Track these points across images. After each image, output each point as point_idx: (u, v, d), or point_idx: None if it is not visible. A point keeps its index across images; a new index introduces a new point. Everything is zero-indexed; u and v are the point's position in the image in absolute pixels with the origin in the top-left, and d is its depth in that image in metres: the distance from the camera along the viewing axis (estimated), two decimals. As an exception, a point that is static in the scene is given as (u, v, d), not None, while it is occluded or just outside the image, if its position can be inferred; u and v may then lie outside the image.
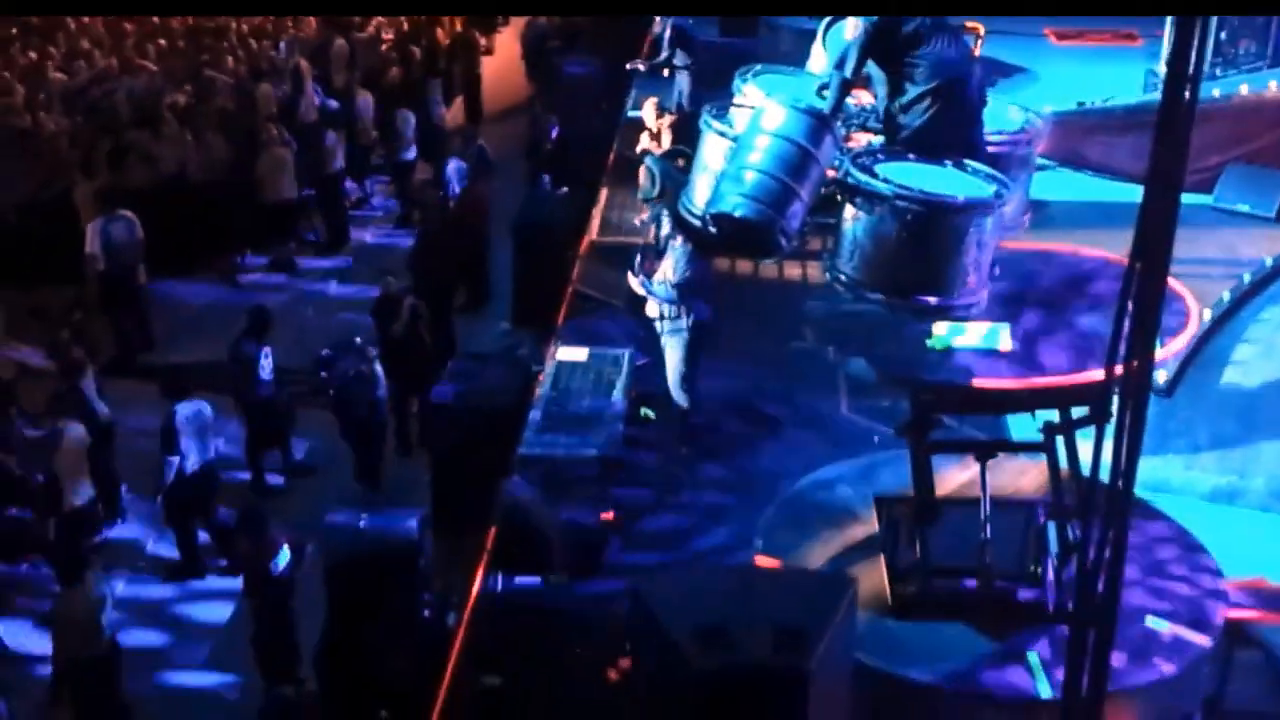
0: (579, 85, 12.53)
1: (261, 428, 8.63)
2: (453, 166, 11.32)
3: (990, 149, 5.21)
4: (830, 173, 4.77)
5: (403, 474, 8.39)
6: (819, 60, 5.81)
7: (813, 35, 9.66)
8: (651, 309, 7.04)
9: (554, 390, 7.04)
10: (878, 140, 5.25)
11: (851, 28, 5.06)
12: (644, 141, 9.55)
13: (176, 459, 7.61)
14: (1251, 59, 11.42)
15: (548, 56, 14.30)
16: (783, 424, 7.28)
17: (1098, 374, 3.37)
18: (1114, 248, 8.67)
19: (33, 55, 13.10)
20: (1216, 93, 10.28)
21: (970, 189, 4.79)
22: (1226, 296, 7.85)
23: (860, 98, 5.27)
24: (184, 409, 7.70)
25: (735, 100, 5.55)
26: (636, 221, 9.04)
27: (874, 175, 4.75)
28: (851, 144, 5.13)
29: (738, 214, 4.63)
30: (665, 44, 11.07)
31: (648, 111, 9.63)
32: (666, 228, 7.10)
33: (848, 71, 5.06)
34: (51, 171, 10.75)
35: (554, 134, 12.17)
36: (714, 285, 7.15)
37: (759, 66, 5.88)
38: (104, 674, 6.68)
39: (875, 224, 4.69)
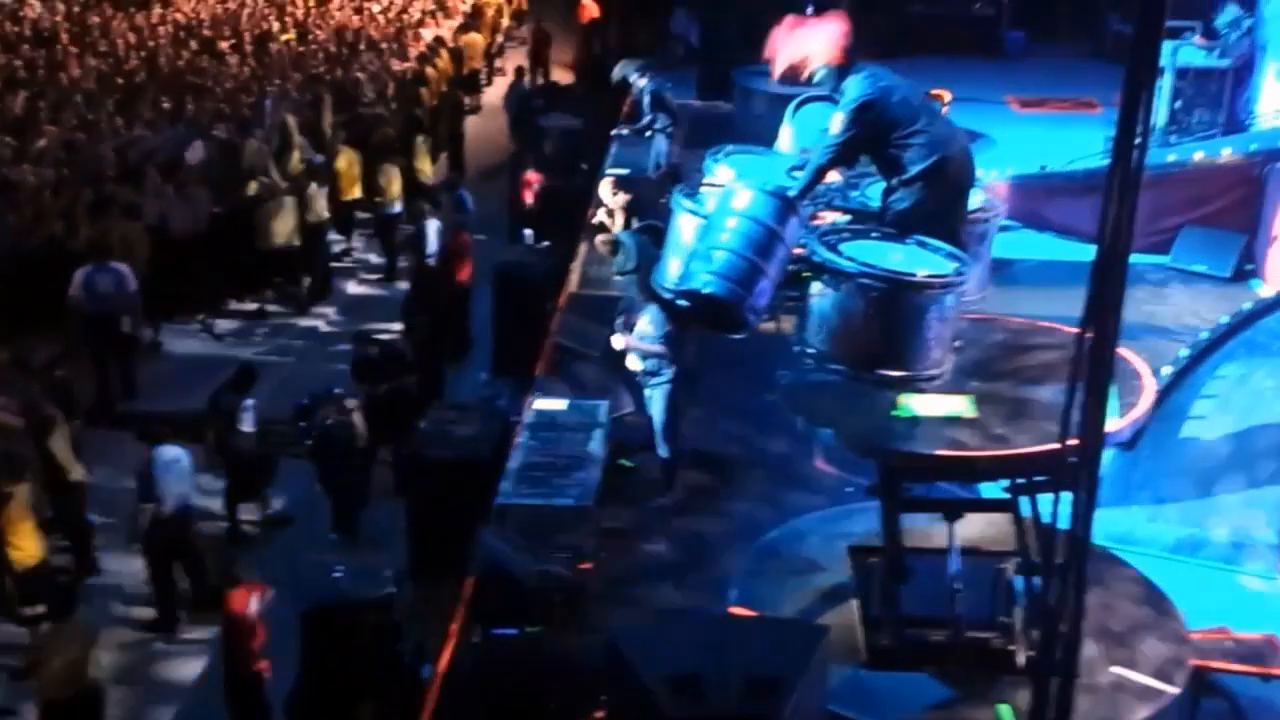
0: (560, 143, 12.79)
1: (241, 478, 8.64)
2: (433, 227, 11.48)
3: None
4: (798, 250, 4.96)
5: (380, 523, 8.40)
6: (787, 139, 6.01)
7: (785, 99, 9.95)
8: (633, 363, 7.18)
9: (532, 440, 7.12)
10: (843, 218, 5.43)
11: (836, 121, 5.22)
12: (600, 216, 9.77)
13: (152, 505, 7.61)
14: (1205, 127, 11.85)
15: (531, 115, 14.59)
16: (758, 474, 7.41)
17: (1054, 444, 3.53)
18: (1074, 307, 8.96)
19: (20, 108, 13.19)
20: (1172, 158, 10.66)
21: (932, 266, 5.01)
22: (1185, 353, 8.10)
23: (829, 174, 5.48)
24: (162, 454, 7.71)
25: (706, 180, 5.75)
26: (615, 277, 9.24)
27: (839, 253, 4.95)
28: (817, 221, 5.32)
29: (706, 291, 4.83)
30: (646, 108, 11.33)
31: (604, 189, 9.83)
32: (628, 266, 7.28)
33: (825, 160, 5.25)
34: (34, 222, 10.80)
35: (530, 183, 12.38)
36: (692, 339, 7.31)
37: (730, 147, 6.08)
38: (90, 714, 6.64)
39: (841, 300, 4.91)
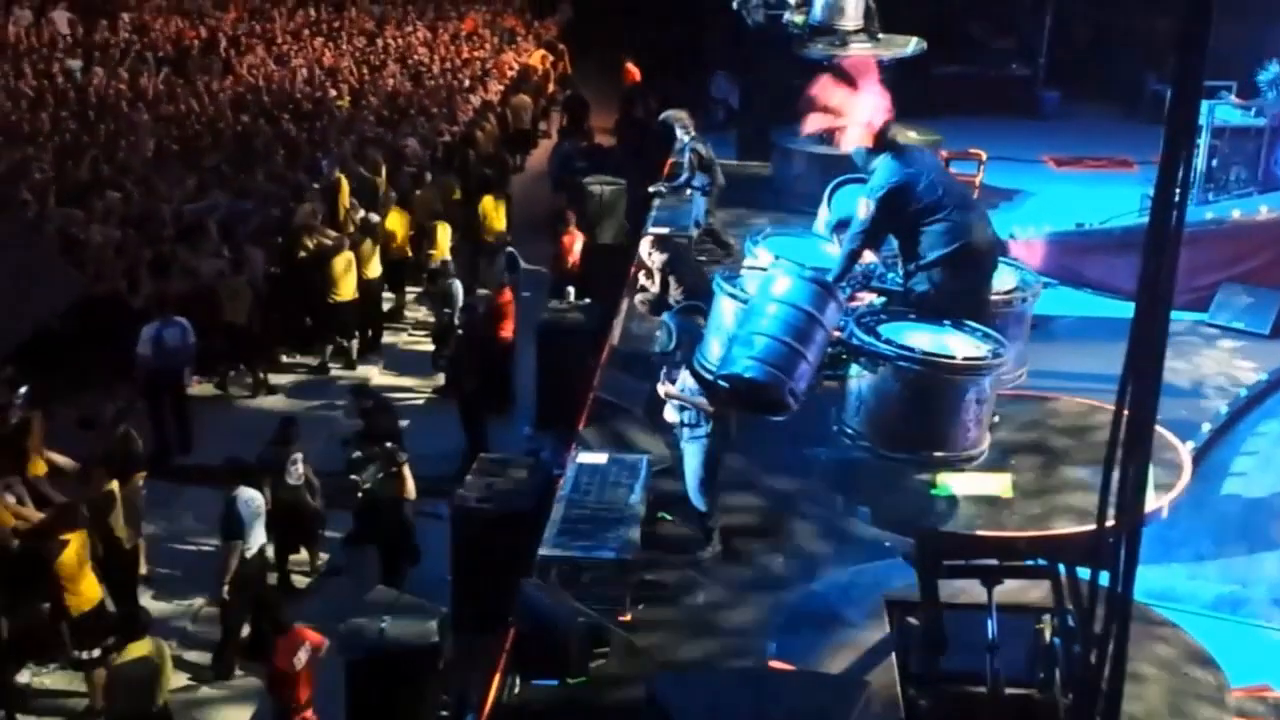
0: (603, 201, 13.07)
1: (290, 529, 8.83)
2: (455, 287, 11.76)
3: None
4: (836, 333, 5.10)
5: (426, 574, 8.54)
6: (824, 220, 6.17)
7: (823, 159, 10.23)
8: (671, 415, 7.31)
9: (574, 493, 7.24)
10: (879, 300, 5.56)
11: (863, 207, 5.36)
12: (641, 275, 9.98)
13: (240, 544, 7.81)
14: (1242, 185, 11.91)
15: (573, 176, 14.94)
16: (797, 528, 7.48)
17: (1093, 526, 3.55)
18: (1111, 363, 8.99)
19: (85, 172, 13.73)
20: (1209, 216, 10.72)
21: (969, 348, 5.10)
22: (1224, 410, 8.12)
23: (863, 256, 5.61)
24: (243, 495, 7.92)
25: (747, 262, 5.94)
26: (657, 334, 9.40)
27: (877, 336, 5.07)
28: (855, 303, 5.45)
29: (748, 375, 4.96)
30: (685, 166, 11.58)
31: (644, 248, 10.06)
32: (661, 343, 7.43)
33: (855, 246, 5.40)
34: (97, 280, 11.20)
35: (572, 241, 12.66)
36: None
37: (769, 229, 6.26)
38: None
39: (879, 382, 5.00)
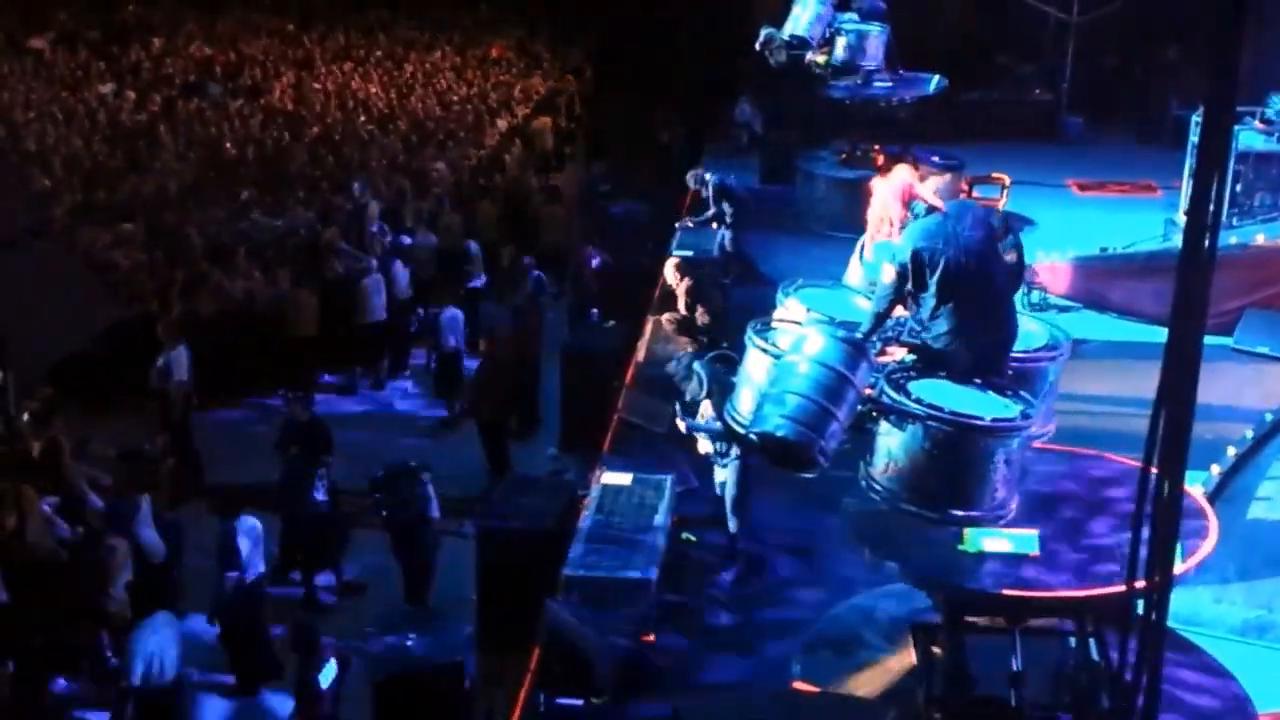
0: (626, 225, 13.19)
1: (315, 547, 8.91)
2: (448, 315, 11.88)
3: (1014, 365, 5.59)
4: (867, 390, 5.16)
5: (451, 592, 8.59)
6: (856, 273, 6.27)
7: (845, 183, 10.24)
8: (705, 446, 7.37)
9: (598, 513, 7.30)
10: (909, 356, 5.61)
11: (887, 271, 5.48)
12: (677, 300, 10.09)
13: (236, 574, 7.88)
14: (1267, 209, 11.88)
15: (598, 199, 15.08)
16: (823, 550, 7.49)
17: (1120, 586, 3.56)
18: (1132, 385, 8.98)
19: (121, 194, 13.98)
20: (1234, 241, 10.71)
21: (998, 409, 5.15)
22: (1250, 434, 8.09)
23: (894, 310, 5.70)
24: (243, 524, 8.01)
25: (777, 313, 6.04)
26: (669, 365, 9.47)
27: (907, 394, 5.13)
28: (885, 357, 5.53)
29: (779, 434, 5.03)
30: (710, 200, 11.75)
31: (669, 271, 10.16)
32: (698, 382, 7.51)
33: (883, 309, 5.52)
34: (129, 302, 11.38)
35: (595, 264, 12.76)
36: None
37: (800, 280, 6.33)
38: (171, 706, 6.97)
39: (908, 441, 5.06)
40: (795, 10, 13.43)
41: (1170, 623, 5.98)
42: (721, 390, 6.03)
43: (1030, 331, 5.92)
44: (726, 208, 11.71)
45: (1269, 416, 8.33)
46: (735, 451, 7.05)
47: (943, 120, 14.32)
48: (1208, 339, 3.38)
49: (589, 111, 20.28)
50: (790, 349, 5.23)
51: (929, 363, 5.45)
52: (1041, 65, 18.53)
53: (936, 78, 13.66)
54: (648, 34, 20.46)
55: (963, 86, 17.81)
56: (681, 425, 7.26)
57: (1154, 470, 3.25)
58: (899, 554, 5.27)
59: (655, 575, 6.84)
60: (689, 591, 7.09)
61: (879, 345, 5.53)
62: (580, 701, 6.05)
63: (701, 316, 9.53)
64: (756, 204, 13.90)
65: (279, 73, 20.17)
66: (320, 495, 8.85)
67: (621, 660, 6.30)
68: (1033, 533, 5.31)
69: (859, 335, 5.40)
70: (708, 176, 11.80)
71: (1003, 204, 12.86)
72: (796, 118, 13.44)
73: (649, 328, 10.22)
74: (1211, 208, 3.18)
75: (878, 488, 5.19)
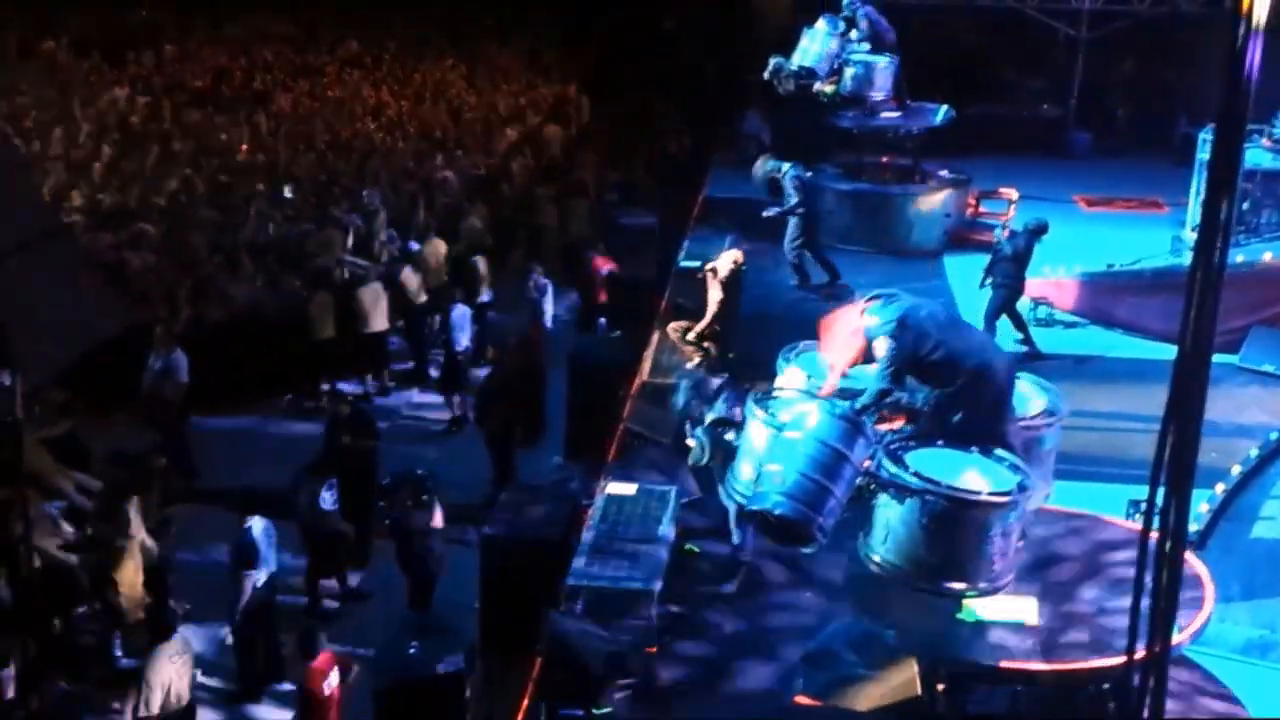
0: (634, 235, 13.22)
1: (322, 554, 8.92)
2: (459, 312, 11.87)
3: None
4: (866, 463, 5.23)
5: (454, 601, 8.59)
6: (796, 376, 6.26)
7: (852, 196, 10.19)
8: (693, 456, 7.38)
9: (602, 523, 7.30)
10: (906, 426, 5.69)
11: (881, 345, 5.55)
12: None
13: (254, 573, 7.90)
14: (1274, 227, 11.90)
15: (606, 208, 15.11)
16: (824, 562, 7.48)
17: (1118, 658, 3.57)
18: (1136, 403, 8.99)
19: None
20: (1240, 259, 10.71)
21: (995, 480, 5.19)
22: (1255, 453, 8.09)
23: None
24: (256, 525, 8.03)
25: (778, 379, 6.13)
26: (687, 366, 9.51)
27: (905, 465, 5.18)
28: (885, 425, 5.59)
29: (778, 512, 5.13)
30: (791, 192, 11.91)
31: (725, 264, 10.18)
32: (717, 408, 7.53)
33: (885, 383, 5.57)
34: (137, 306, 11.43)
35: (603, 273, 12.78)
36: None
37: (800, 346, 6.41)
38: None
39: (905, 513, 5.13)
40: (803, 42, 13.60)
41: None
42: (725, 456, 6.16)
43: (1027, 397, 5.95)
44: (796, 205, 11.90)
45: (1274, 435, 8.32)
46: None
47: (952, 134, 14.37)
48: (1214, 358, 3.38)
49: (597, 122, 20.34)
50: (789, 425, 5.30)
51: (927, 429, 5.53)
52: (1050, 81, 18.58)
53: (944, 108, 13.82)
54: (655, 45, 20.53)
55: (971, 101, 17.88)
56: (692, 443, 7.30)
57: (1153, 536, 3.27)
58: (898, 623, 5.29)
59: (659, 586, 6.84)
60: (692, 603, 7.08)
61: (876, 415, 5.60)
62: (581, 712, 6.04)
63: (713, 324, 9.56)
64: (762, 218, 13.95)
65: (289, 80, 20.25)
66: (328, 505, 8.86)
67: (623, 672, 6.29)
68: (1031, 601, 5.34)
69: (858, 407, 5.47)
70: (785, 167, 11.93)
71: (1009, 219, 12.89)
72: (805, 133, 13.49)
73: (656, 338, 10.24)
74: (1221, 225, 3.20)
75: (876, 559, 5.25)
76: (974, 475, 5.21)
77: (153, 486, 8.86)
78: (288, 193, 14.56)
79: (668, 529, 7.20)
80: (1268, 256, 10.84)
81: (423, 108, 19.20)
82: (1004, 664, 5.07)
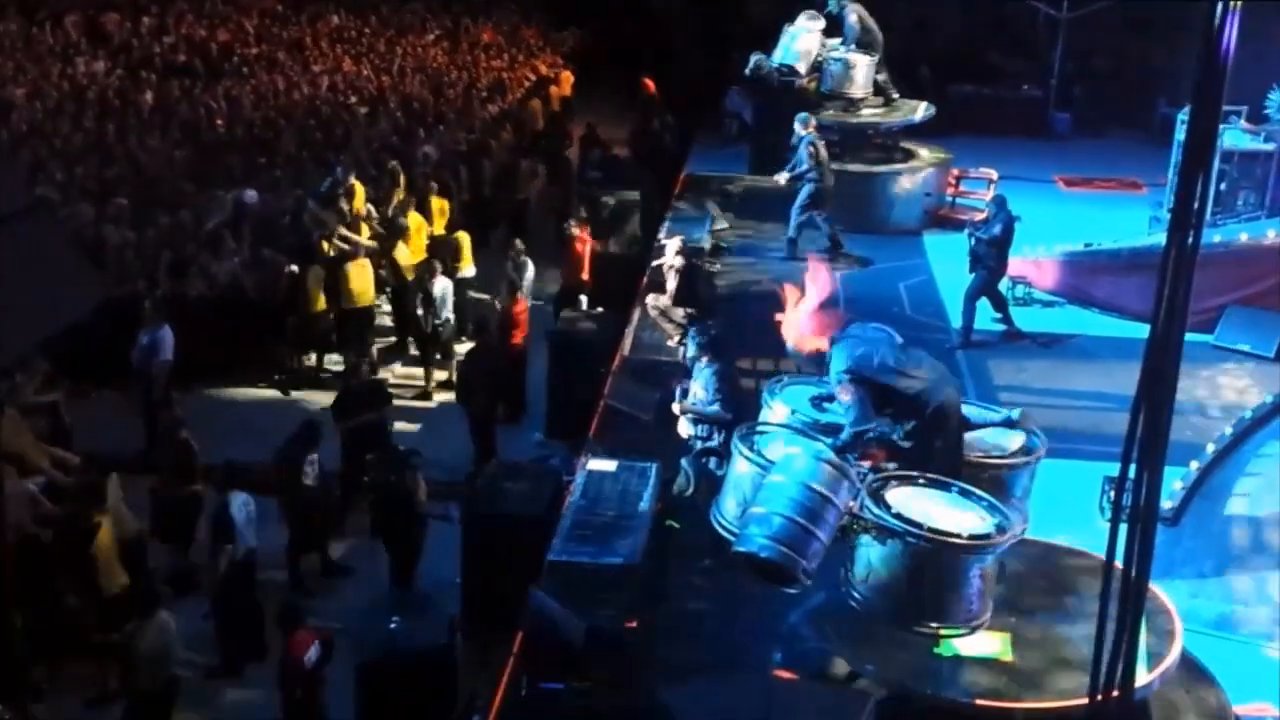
0: (616, 212, 13.21)
1: (304, 529, 8.93)
2: (440, 285, 11.87)
3: (991, 470, 5.81)
4: (850, 504, 5.34)
5: (436, 576, 8.63)
6: (780, 411, 6.32)
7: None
8: (685, 429, 7.43)
9: (583, 499, 7.32)
10: (890, 464, 5.78)
11: (843, 392, 5.70)
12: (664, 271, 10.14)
13: (231, 547, 7.91)
14: (1250, 208, 12.00)
15: (589, 185, 15.08)
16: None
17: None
18: (1111, 382, 9.08)
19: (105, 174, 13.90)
20: (1217, 239, 10.80)
21: (975, 520, 5.33)
22: (1229, 431, 8.19)
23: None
24: (235, 500, 8.03)
25: (764, 414, 6.21)
26: (668, 343, 9.55)
27: (886, 506, 5.32)
28: (868, 461, 5.70)
29: (763, 555, 5.24)
30: (803, 158, 11.95)
31: (671, 249, 10.23)
32: (693, 351, 7.57)
33: (859, 427, 5.72)
34: (116, 281, 11.35)
35: (584, 250, 12.77)
36: (745, 400, 7.55)
37: (785, 379, 6.51)
38: (165, 707, 7.02)
39: (886, 554, 5.28)
40: (785, 39, 13.62)
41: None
42: (709, 488, 6.28)
43: (1005, 435, 6.03)
44: (815, 169, 11.90)
45: (1248, 414, 8.42)
46: (717, 438, 7.12)
47: (935, 114, 14.43)
48: (1189, 337, 3.42)
49: (579, 98, 20.26)
50: (775, 468, 5.40)
51: (910, 463, 5.66)
52: (1032, 62, 18.63)
53: (924, 105, 13.84)
54: (639, 21, 20.44)
55: (955, 81, 17.91)
56: (677, 407, 7.33)
57: (1118, 566, 3.32)
58: (875, 658, 5.39)
59: (639, 561, 6.88)
60: (672, 578, 7.13)
61: (859, 453, 5.73)
62: (562, 686, 6.08)
63: (674, 294, 9.60)
64: (747, 193, 13.97)
65: (269, 53, 20.06)
66: (311, 480, 8.85)
67: (604, 646, 6.34)
68: (1005, 636, 5.48)
69: (837, 443, 5.63)
70: (805, 134, 11.97)
71: (989, 198, 12.94)
72: (788, 111, 13.52)
73: (637, 315, 10.27)
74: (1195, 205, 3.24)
75: (857, 596, 5.39)
76: (954, 515, 5.36)
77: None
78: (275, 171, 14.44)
79: (648, 505, 7.24)
80: (1244, 237, 10.94)
81: (404, 82, 19.06)
82: (979, 701, 5.21)
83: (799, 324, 6.07)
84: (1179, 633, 5.56)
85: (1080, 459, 7.99)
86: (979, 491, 5.50)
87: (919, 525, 5.17)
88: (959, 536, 5.17)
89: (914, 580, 5.23)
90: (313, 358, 12.10)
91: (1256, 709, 6.09)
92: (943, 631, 5.33)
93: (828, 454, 5.42)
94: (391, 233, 12.81)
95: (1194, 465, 7.80)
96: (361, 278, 11.98)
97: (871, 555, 5.29)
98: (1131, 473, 3.40)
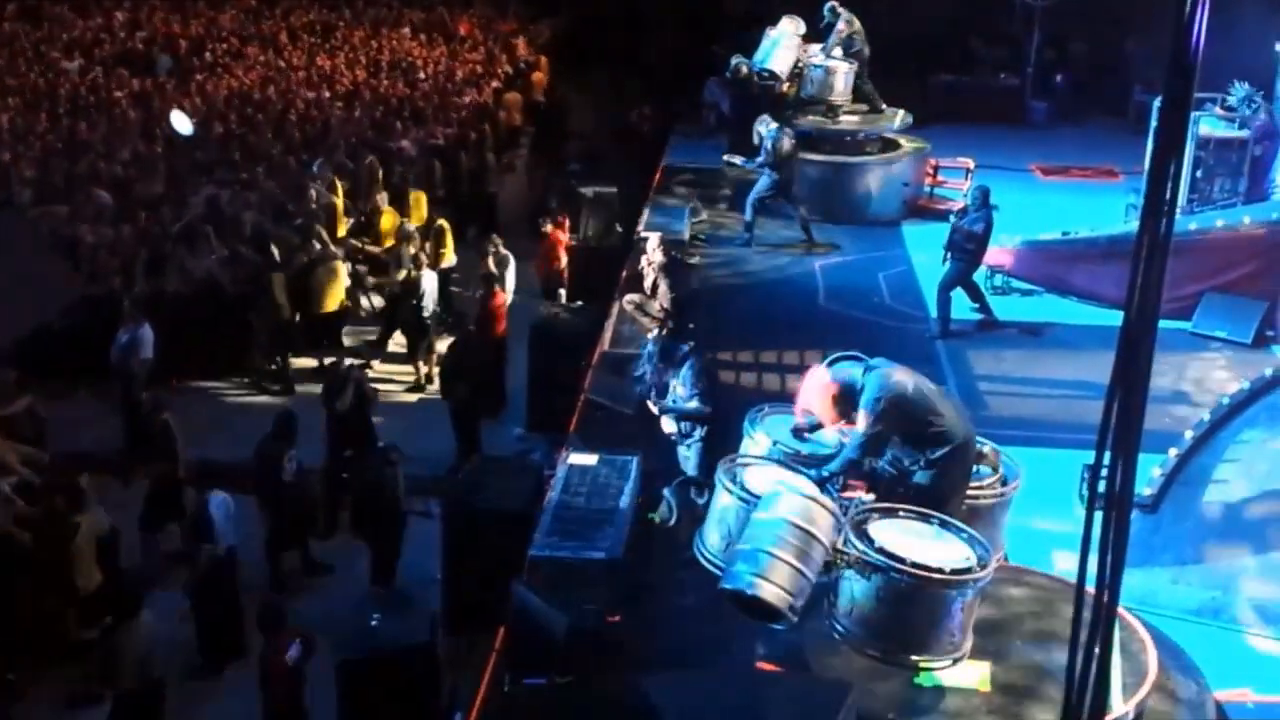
0: (596, 206, 13.18)
1: (283, 526, 8.87)
2: (429, 279, 11.80)
3: (968, 500, 5.84)
4: (835, 537, 5.37)
5: (417, 572, 8.59)
6: (761, 444, 6.27)
7: (814, 166, 10.01)
8: (668, 426, 7.41)
9: (564, 494, 7.31)
10: (868, 496, 5.80)
11: (863, 420, 5.65)
12: (643, 266, 10.13)
13: (209, 548, 7.85)
14: (1226, 195, 12.05)
15: (567, 178, 15.03)
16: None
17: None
18: (1087, 371, 9.11)
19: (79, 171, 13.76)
20: (1194, 226, 10.85)
21: (957, 554, 5.38)
22: (1207, 418, 8.22)
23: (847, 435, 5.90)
24: (214, 498, 7.97)
25: (745, 444, 6.21)
26: (647, 336, 9.53)
27: (870, 540, 5.36)
28: (848, 493, 5.73)
29: (750, 593, 5.26)
30: (766, 150, 12.09)
31: (652, 244, 10.21)
32: (671, 350, 7.57)
33: (857, 455, 5.72)
34: (91, 279, 11.24)
35: (563, 244, 12.73)
36: (721, 393, 7.55)
37: (765, 409, 6.50)
38: (152, 708, 6.96)
39: (869, 587, 5.32)
40: (765, 44, 13.63)
41: (1126, 603, 6.17)
42: (693, 520, 6.28)
43: (982, 468, 6.05)
44: (770, 164, 12.03)
45: (1225, 400, 8.46)
46: (699, 433, 7.12)
47: (914, 104, 14.45)
48: (1167, 324, 3.44)
49: (558, 91, 20.18)
50: (762, 504, 5.42)
51: (897, 493, 5.69)
52: (1009, 50, 18.68)
53: (902, 113, 13.96)
54: (617, 14, 20.35)
55: (934, 70, 17.93)
56: (655, 407, 7.33)
57: (1089, 592, 3.33)
58: (857, 689, 5.40)
59: (621, 555, 6.86)
60: (655, 572, 7.11)
61: (841, 482, 5.75)
62: (545, 681, 6.07)
63: (663, 297, 9.57)
64: (725, 183, 13.95)
65: (243, 49, 19.89)
66: (289, 477, 8.79)
67: (586, 640, 6.32)
68: (984, 666, 5.53)
69: (825, 474, 5.67)
70: (764, 129, 12.08)
71: (967, 187, 12.95)
72: (764, 96, 13.52)
73: (616, 309, 10.24)
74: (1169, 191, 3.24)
75: (839, 628, 5.43)
76: (936, 549, 5.41)
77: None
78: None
79: (630, 499, 7.22)
80: (1220, 224, 10.98)
81: (380, 77, 18.93)
82: None
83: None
84: (1153, 662, 5.60)
85: (1060, 447, 8.03)
86: (958, 523, 5.58)
87: (902, 560, 5.24)
88: (942, 571, 5.25)
89: (897, 613, 5.30)
90: (279, 361, 11.93)
91: (1237, 695, 6.12)
92: (922, 665, 5.40)
93: (814, 491, 5.45)
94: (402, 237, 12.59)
95: (1173, 452, 7.83)
96: (332, 282, 11.77)
97: (855, 588, 5.35)
98: (1107, 460, 3.42)
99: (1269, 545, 7.15)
